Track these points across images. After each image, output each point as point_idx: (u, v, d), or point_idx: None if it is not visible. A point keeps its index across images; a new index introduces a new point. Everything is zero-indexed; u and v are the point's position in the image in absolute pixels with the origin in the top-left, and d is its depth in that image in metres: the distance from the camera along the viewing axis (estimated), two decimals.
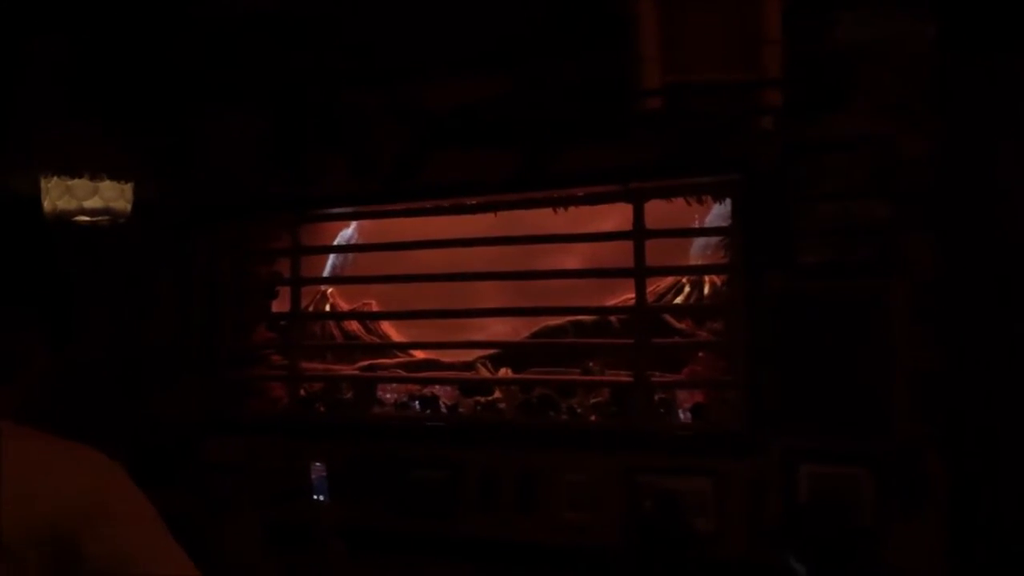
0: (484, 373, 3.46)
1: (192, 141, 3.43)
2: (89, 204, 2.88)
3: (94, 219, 2.93)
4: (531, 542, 2.88)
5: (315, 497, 2.92)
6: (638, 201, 2.97)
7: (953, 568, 2.39)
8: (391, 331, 3.80)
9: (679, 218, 3.05)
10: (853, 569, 2.46)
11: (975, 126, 2.45)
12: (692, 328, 3.19)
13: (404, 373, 3.57)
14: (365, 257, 3.75)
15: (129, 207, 2.97)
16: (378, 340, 3.78)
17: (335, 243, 3.81)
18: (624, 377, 3.08)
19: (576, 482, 2.87)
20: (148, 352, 3.46)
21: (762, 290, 2.67)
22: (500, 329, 3.59)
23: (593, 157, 2.87)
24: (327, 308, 3.91)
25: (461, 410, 3.35)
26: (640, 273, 2.99)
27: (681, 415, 3.03)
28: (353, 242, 3.80)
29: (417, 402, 3.43)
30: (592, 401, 3.16)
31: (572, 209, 3.13)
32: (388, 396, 3.54)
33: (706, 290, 3.25)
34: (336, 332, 3.84)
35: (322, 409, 3.49)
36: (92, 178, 2.85)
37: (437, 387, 3.45)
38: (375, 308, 3.80)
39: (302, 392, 3.55)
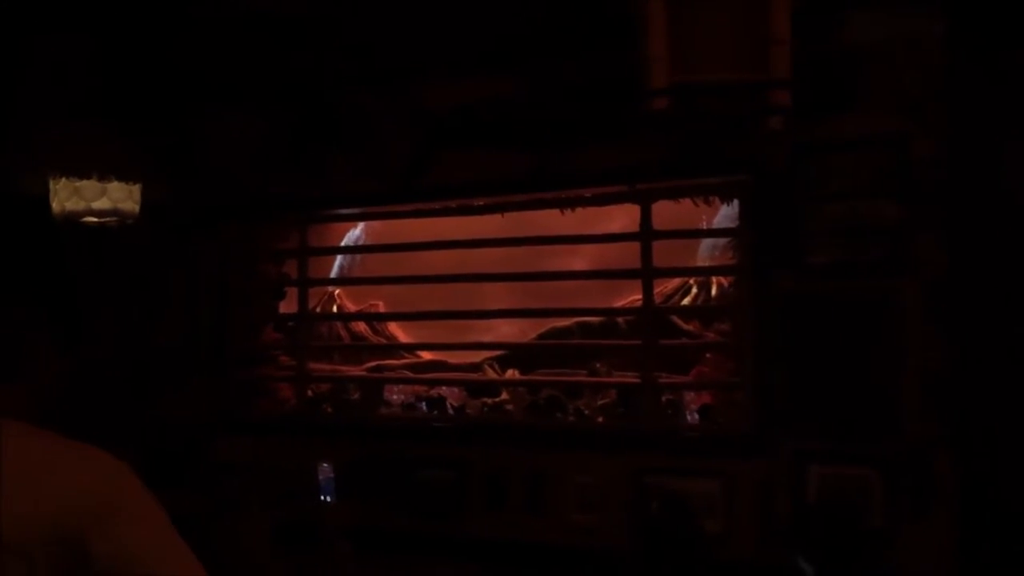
0: (491, 374, 3.46)
1: (196, 142, 3.43)
2: (97, 205, 2.88)
3: (102, 220, 2.93)
4: (538, 543, 2.88)
5: (322, 498, 2.92)
6: (645, 202, 2.97)
7: (962, 569, 2.38)
8: (398, 332, 3.80)
9: (686, 219, 3.05)
10: (862, 570, 2.45)
11: (984, 125, 2.44)
12: (699, 329, 3.18)
13: (411, 374, 3.57)
14: (372, 258, 3.75)
15: (137, 208, 2.98)
16: (385, 341, 3.78)
17: (342, 244, 3.81)
18: (631, 378, 3.07)
19: (584, 483, 2.87)
20: (157, 353, 3.47)
21: (770, 291, 2.66)
22: (507, 330, 3.58)
23: (600, 158, 2.87)
24: (334, 309, 3.91)
25: (468, 411, 3.35)
26: (647, 274, 2.98)
27: (688, 416, 3.03)
28: (360, 243, 3.80)
29: (424, 403, 3.43)
30: (599, 402, 3.15)
31: (579, 210, 3.13)
32: (395, 397, 3.54)
33: (713, 291, 3.24)
34: (343, 333, 3.84)
35: (329, 410, 3.50)
36: (100, 179, 2.85)
37: (444, 388, 3.45)
38: (382, 309, 3.80)
39: (310, 393, 3.55)
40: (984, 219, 2.45)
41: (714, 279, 3.23)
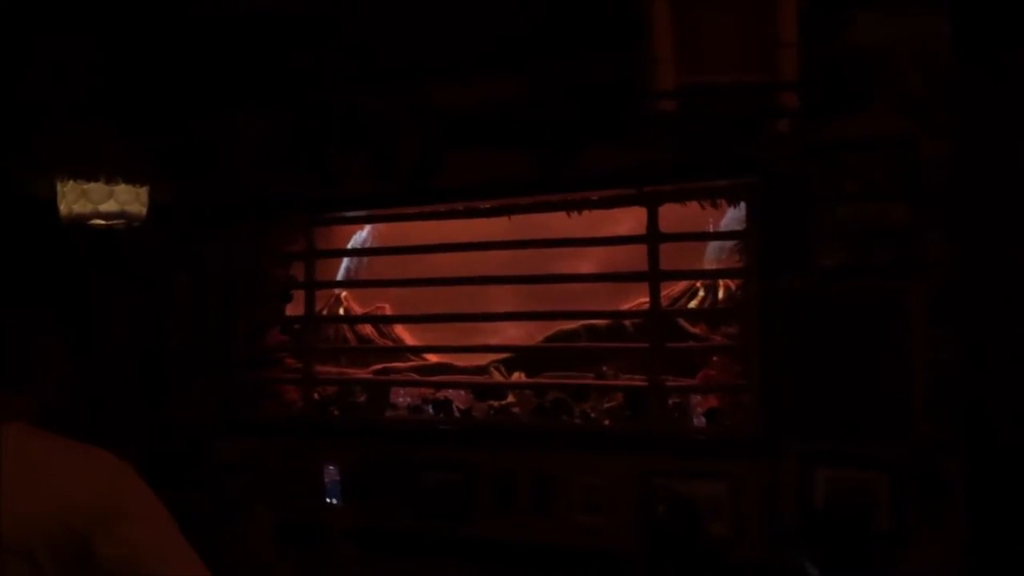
0: (498, 377, 3.45)
1: (201, 143, 3.44)
2: (104, 207, 2.89)
3: (109, 222, 2.93)
4: (545, 545, 2.87)
5: (327, 499, 2.92)
6: (652, 205, 2.96)
7: (971, 572, 2.37)
8: (404, 335, 3.80)
9: (693, 222, 3.04)
10: (869, 573, 2.44)
11: (992, 126, 2.43)
12: (706, 332, 3.18)
13: (417, 377, 3.57)
14: (379, 261, 3.75)
15: (144, 210, 2.98)
16: (391, 344, 3.78)
17: (349, 246, 3.81)
18: (638, 381, 3.07)
19: (591, 485, 2.86)
20: (164, 354, 3.47)
21: (777, 293, 2.66)
22: (514, 333, 3.58)
23: (607, 160, 2.86)
24: (341, 311, 3.91)
25: (474, 414, 3.34)
26: (654, 277, 2.98)
27: (695, 419, 3.02)
28: (367, 245, 3.81)
29: (430, 406, 3.42)
30: (606, 405, 3.15)
31: (586, 213, 3.12)
32: (401, 400, 3.53)
33: (720, 294, 3.23)
34: (350, 335, 3.84)
35: (336, 412, 3.50)
36: (107, 181, 2.85)
37: (450, 391, 3.45)
38: (389, 312, 3.80)
39: (316, 395, 3.55)
40: (993, 220, 2.44)
41: (721, 282, 3.22)
